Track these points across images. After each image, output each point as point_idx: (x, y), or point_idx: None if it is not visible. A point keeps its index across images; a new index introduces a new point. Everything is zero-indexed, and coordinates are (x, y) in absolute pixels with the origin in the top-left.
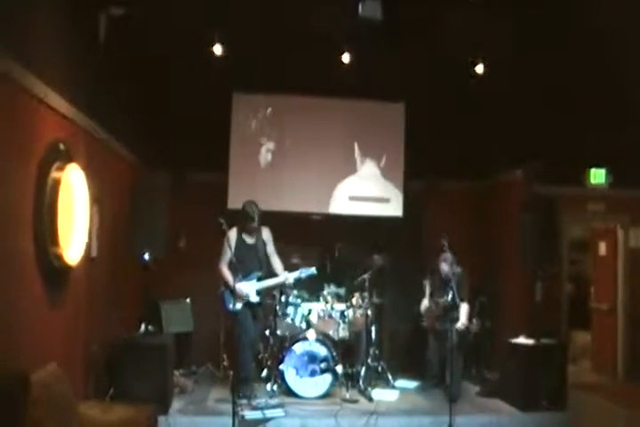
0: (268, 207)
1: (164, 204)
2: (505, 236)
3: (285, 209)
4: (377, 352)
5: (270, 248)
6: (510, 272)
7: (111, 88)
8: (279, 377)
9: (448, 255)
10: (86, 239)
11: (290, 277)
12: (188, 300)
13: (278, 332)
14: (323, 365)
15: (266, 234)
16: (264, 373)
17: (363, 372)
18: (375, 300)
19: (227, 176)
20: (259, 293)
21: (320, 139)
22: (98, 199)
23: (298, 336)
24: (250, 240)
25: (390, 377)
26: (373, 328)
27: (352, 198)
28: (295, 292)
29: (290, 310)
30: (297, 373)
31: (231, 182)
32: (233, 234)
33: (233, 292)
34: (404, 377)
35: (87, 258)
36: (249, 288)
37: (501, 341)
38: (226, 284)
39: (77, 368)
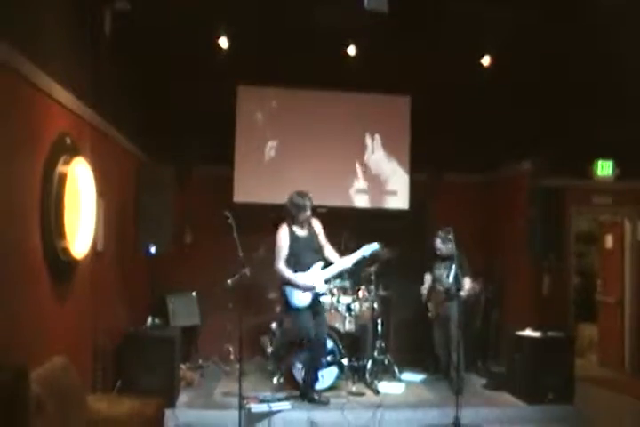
0: (274, 201)
1: (169, 197)
2: (511, 228)
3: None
4: (383, 345)
5: (323, 239)
6: (517, 265)
7: (116, 81)
8: (286, 370)
9: (441, 233)
10: (93, 233)
11: (353, 259)
12: (194, 293)
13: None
14: (329, 358)
15: (316, 225)
16: (270, 366)
17: (369, 365)
18: (381, 293)
19: (232, 169)
20: (326, 281)
21: (326, 132)
22: (104, 193)
23: None
24: (302, 233)
25: (397, 370)
26: (379, 321)
27: (358, 191)
28: None
29: None
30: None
31: (237, 176)
32: (284, 230)
33: (298, 286)
34: (410, 370)
35: (93, 252)
36: (314, 279)
37: (508, 333)
38: (287, 281)
39: (85, 361)
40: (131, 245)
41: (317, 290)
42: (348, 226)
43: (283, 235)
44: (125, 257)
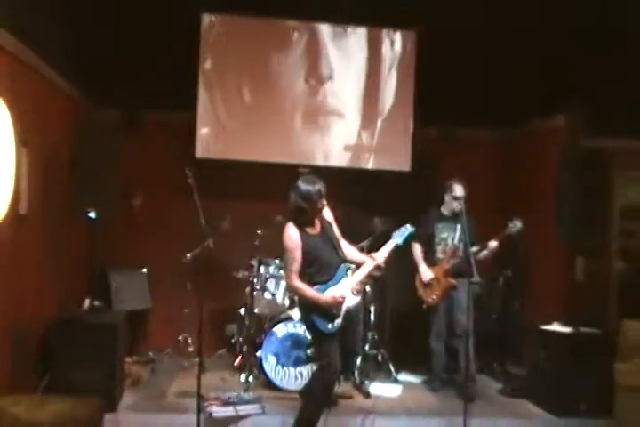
0: (246, 157)
1: (114, 148)
2: (538, 198)
3: (267, 159)
4: (376, 337)
5: (337, 230)
6: (544, 243)
7: (46, 3)
8: (256, 366)
9: (455, 181)
10: (12, 191)
11: (385, 253)
12: (144, 270)
13: (256, 310)
14: (309, 351)
15: (327, 213)
16: (237, 360)
17: (359, 361)
18: (375, 273)
19: (195, 116)
20: (358, 291)
21: (311, 73)
22: (29, 142)
23: (280, 316)
24: (314, 230)
25: (392, 369)
26: (372, 308)
27: (348, 148)
28: (277, 261)
29: (270, 283)
30: (278, 361)
31: (200, 124)
32: (293, 231)
33: (327, 308)
34: (409, 369)
35: (14, 215)
36: (343, 292)
37: (530, 327)
38: (309, 303)
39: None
40: (64, 207)
41: (349, 304)
42: (333, 191)
43: (293, 239)
44: (56, 223)
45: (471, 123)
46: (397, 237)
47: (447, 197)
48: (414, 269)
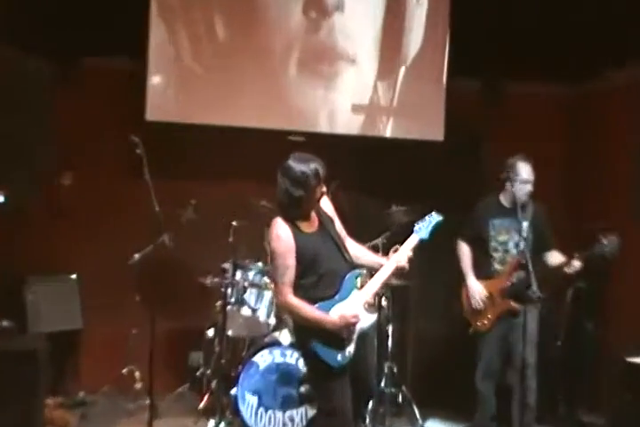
0: (218, 120)
1: (38, 109)
2: (614, 173)
3: (244, 125)
4: (395, 370)
5: (340, 225)
6: (628, 238)
7: None
8: (230, 409)
9: (520, 157)
10: None
11: (406, 252)
12: (73, 276)
13: (230, 332)
14: (304, 389)
15: (326, 204)
16: (204, 401)
17: (372, 403)
18: (394, 281)
19: (145, 67)
20: (371, 306)
21: (310, 3)
22: None
23: (262, 340)
24: (310, 227)
25: (417, 414)
26: (390, 328)
27: (356, 109)
28: (260, 264)
29: (249, 294)
30: (260, 402)
31: (152, 72)
32: (284, 230)
33: (330, 333)
34: (440, 414)
35: None
36: (355, 309)
37: (611, 359)
38: (308, 328)
39: None
40: None
41: (363, 326)
42: (337, 168)
43: (283, 240)
44: None
45: (526, 74)
46: (422, 230)
47: (509, 183)
48: (452, 275)
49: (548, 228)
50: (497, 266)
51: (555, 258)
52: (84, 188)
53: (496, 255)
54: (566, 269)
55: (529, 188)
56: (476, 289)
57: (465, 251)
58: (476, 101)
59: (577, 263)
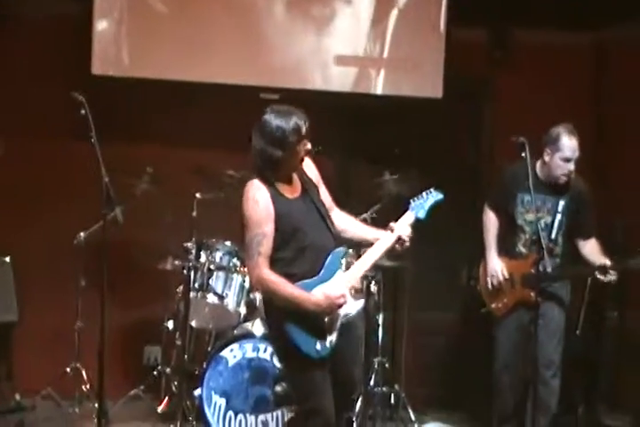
0: (179, 75)
1: None
2: None
3: (212, 80)
4: (387, 366)
5: (325, 192)
6: None
7: None
8: (193, 412)
9: (564, 127)
10: None
11: (402, 229)
12: (7, 258)
13: (193, 322)
14: (279, 388)
15: (309, 167)
16: (163, 404)
17: (359, 404)
18: (386, 262)
19: (90, 10)
20: (358, 291)
21: None
22: None
23: (232, 332)
24: (293, 192)
25: (412, 415)
26: (381, 317)
27: (341, 61)
28: (228, 244)
29: (216, 279)
30: (229, 404)
31: (98, 25)
32: (262, 193)
33: (312, 317)
34: (439, 416)
35: None
36: (339, 290)
37: (636, 352)
38: (286, 309)
39: None
40: None
41: (349, 312)
42: (319, 131)
43: (261, 205)
44: None
45: (538, 21)
46: (417, 209)
47: (549, 156)
48: (453, 255)
49: (590, 211)
50: (521, 248)
51: (591, 250)
52: (18, 156)
53: (522, 236)
54: (600, 276)
55: (570, 167)
56: (496, 267)
57: (491, 220)
58: (480, 53)
59: (614, 276)
